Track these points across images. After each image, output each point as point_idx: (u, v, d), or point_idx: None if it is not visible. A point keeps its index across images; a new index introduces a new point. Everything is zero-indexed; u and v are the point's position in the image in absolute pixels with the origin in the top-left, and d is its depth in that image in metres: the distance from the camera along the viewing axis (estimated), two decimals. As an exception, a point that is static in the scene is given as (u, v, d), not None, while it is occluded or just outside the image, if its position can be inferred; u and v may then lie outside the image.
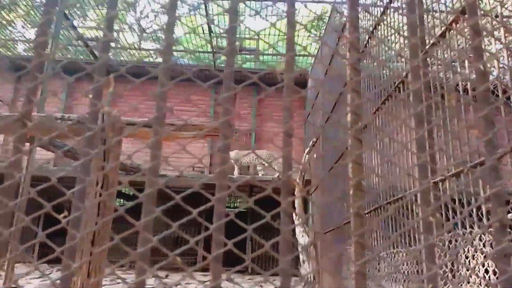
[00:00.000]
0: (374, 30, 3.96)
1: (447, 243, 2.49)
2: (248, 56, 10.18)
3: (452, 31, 2.38)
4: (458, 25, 2.38)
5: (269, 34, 9.23)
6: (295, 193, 6.08)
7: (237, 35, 9.63)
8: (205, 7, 8.13)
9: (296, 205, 5.78)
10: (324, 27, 8.20)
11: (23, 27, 9.74)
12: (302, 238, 5.59)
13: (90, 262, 2.17)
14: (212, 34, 9.08)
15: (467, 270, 2.41)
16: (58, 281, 0.85)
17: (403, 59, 3.46)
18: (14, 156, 0.96)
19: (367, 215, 3.48)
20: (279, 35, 9.11)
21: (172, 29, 1.14)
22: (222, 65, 10.76)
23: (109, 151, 2.37)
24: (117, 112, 2.46)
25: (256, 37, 9.19)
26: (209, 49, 10.18)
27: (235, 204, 12.73)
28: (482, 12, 2.31)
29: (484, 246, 2.40)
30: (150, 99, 9.92)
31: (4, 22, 9.14)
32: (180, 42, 10.75)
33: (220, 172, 1.00)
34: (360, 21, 4.53)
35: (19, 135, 0.81)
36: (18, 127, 0.81)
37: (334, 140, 5.61)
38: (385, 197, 3.26)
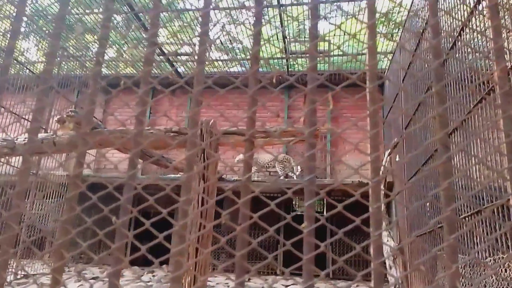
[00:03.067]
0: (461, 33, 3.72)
1: None
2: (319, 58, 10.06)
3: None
4: None
5: (337, 35, 9.04)
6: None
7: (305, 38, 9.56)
8: (280, 14, 8.20)
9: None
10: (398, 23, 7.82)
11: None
12: (388, 243, 5.36)
13: (196, 263, 2.30)
14: (286, 40, 9.12)
15: None
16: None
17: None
18: (130, 172, 1.04)
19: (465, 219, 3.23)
20: (345, 34, 8.86)
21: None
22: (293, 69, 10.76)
23: (208, 159, 2.49)
24: (213, 121, 2.58)
25: (325, 38, 9.04)
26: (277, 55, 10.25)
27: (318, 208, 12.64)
28: None
29: None
30: (237, 107, 10.29)
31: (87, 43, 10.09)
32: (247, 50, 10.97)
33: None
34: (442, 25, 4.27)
35: (134, 152, 0.87)
36: (133, 144, 0.88)
37: (421, 142, 5.30)
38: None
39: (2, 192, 6.40)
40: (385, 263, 5.05)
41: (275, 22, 8.39)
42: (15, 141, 4.43)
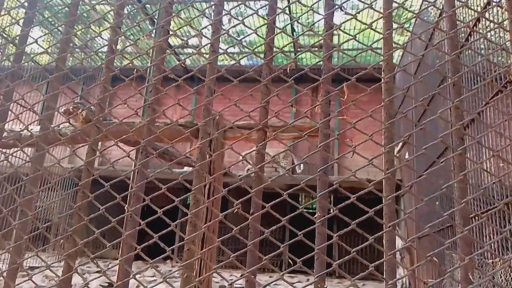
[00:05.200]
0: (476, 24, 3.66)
1: None
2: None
3: None
4: None
5: (348, 28, 8.95)
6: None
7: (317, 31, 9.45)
8: (289, 6, 8.14)
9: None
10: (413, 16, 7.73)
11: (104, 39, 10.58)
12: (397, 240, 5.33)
13: (201, 260, 2.29)
14: (294, 33, 9.07)
15: None
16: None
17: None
18: (139, 165, 1.03)
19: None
20: (356, 28, 8.79)
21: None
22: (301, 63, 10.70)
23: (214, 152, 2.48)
24: (220, 113, 2.57)
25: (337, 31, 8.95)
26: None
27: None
28: None
29: None
30: (250, 99, 10.20)
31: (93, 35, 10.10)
32: (255, 43, 10.89)
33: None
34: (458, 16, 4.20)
35: (144, 142, 0.87)
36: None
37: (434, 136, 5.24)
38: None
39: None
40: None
41: (284, 15, 8.35)
42: (22, 132, 4.45)
